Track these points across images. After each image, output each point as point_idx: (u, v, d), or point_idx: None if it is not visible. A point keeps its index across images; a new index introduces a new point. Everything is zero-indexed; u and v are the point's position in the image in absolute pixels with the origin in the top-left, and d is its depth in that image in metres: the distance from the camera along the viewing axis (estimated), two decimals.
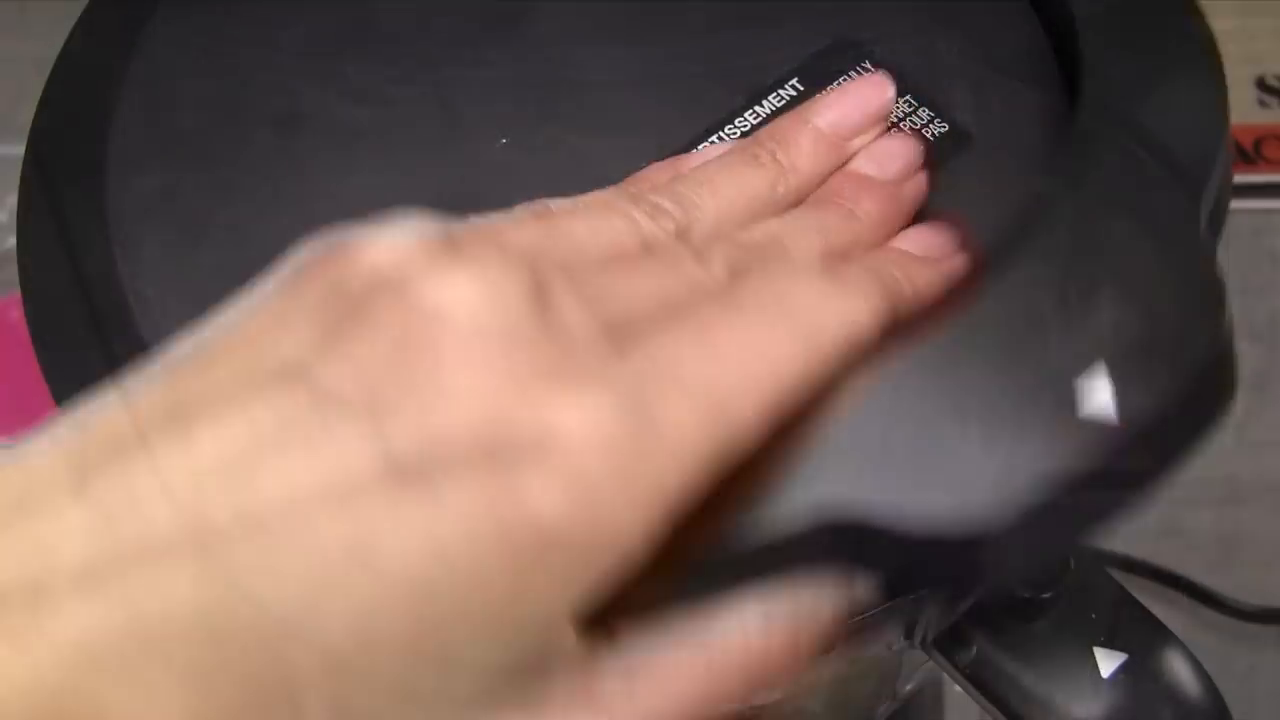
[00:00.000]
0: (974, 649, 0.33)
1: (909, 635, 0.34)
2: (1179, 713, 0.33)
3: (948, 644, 0.34)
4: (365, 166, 0.33)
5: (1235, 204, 0.75)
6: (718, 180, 0.28)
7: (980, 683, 0.34)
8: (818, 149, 0.30)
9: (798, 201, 0.30)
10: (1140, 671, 0.33)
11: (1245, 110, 0.76)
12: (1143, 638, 0.34)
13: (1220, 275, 0.27)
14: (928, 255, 0.29)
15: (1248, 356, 0.73)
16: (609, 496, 0.20)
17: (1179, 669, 0.34)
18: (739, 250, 0.26)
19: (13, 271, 0.77)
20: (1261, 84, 0.77)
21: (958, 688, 0.35)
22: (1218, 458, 0.67)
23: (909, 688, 0.43)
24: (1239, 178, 0.73)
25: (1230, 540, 0.66)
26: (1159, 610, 0.34)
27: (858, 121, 0.31)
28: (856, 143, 0.31)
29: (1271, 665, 0.63)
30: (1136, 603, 0.34)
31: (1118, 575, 0.35)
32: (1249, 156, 0.75)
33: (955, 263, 0.29)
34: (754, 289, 0.24)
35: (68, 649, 0.19)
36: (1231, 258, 0.73)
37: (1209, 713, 0.33)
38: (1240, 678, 0.63)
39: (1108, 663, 0.33)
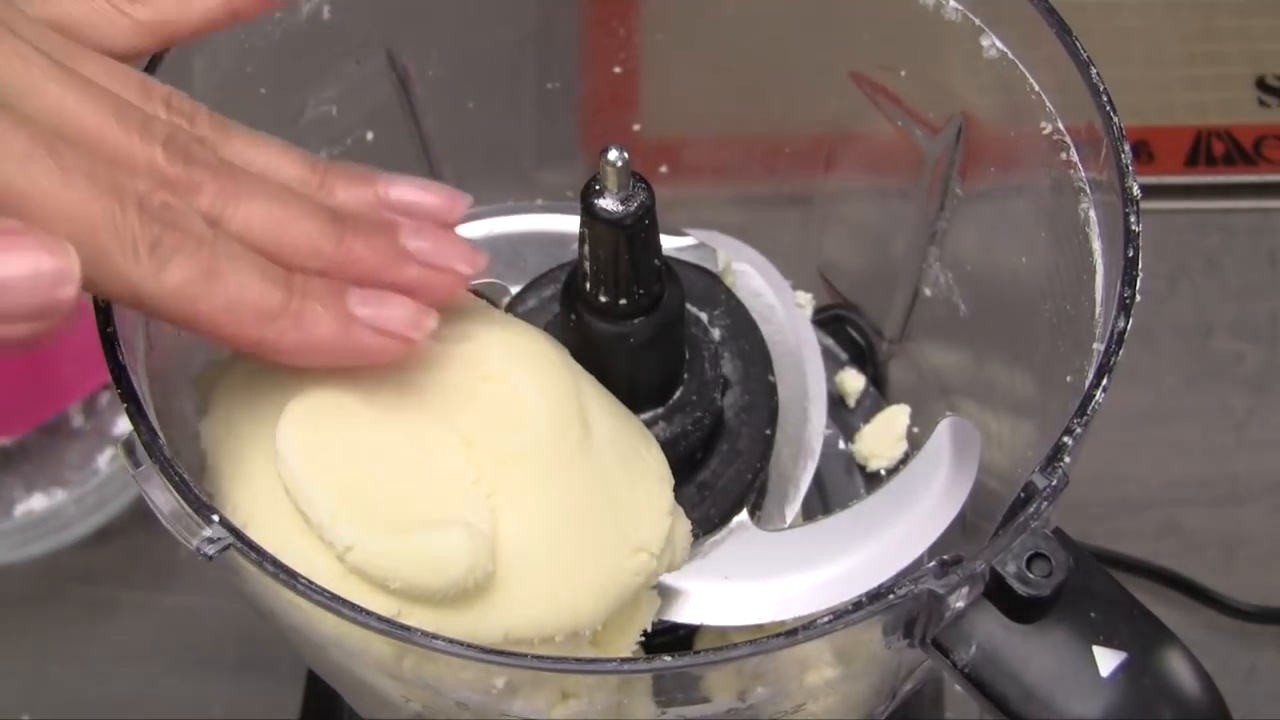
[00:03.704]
0: (973, 648, 0.33)
1: (908, 634, 0.34)
2: (1178, 712, 0.33)
3: (947, 643, 0.34)
4: None
5: (1235, 204, 0.76)
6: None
7: (980, 682, 0.34)
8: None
9: None
10: (1140, 671, 0.33)
11: (1245, 110, 0.76)
12: (1142, 637, 0.34)
13: None
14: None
15: (1249, 356, 0.74)
16: None
17: (1178, 668, 0.33)
18: None
19: None
20: (1261, 84, 0.77)
21: (958, 687, 0.35)
22: (1218, 457, 0.68)
23: (908, 687, 0.43)
24: (1239, 178, 0.73)
25: (1230, 540, 0.66)
26: (1159, 610, 0.34)
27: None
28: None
29: (1271, 665, 0.63)
30: (1136, 602, 0.34)
31: (1118, 575, 0.35)
32: (1249, 156, 0.75)
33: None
34: None
35: None
36: (1231, 258, 0.74)
37: (1208, 712, 0.33)
38: (1240, 677, 0.63)
39: (1107, 662, 0.33)
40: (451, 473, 0.36)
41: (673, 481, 0.40)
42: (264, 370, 0.37)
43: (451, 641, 0.32)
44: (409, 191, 0.37)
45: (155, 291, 0.32)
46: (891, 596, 0.32)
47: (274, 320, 0.33)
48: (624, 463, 0.38)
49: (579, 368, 0.40)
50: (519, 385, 0.37)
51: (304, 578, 0.33)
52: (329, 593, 0.32)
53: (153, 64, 0.39)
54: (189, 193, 0.33)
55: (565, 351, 0.41)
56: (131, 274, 0.31)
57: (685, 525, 0.41)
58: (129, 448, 0.35)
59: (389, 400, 0.36)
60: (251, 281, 0.33)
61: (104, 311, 0.36)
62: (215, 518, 0.33)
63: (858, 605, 0.32)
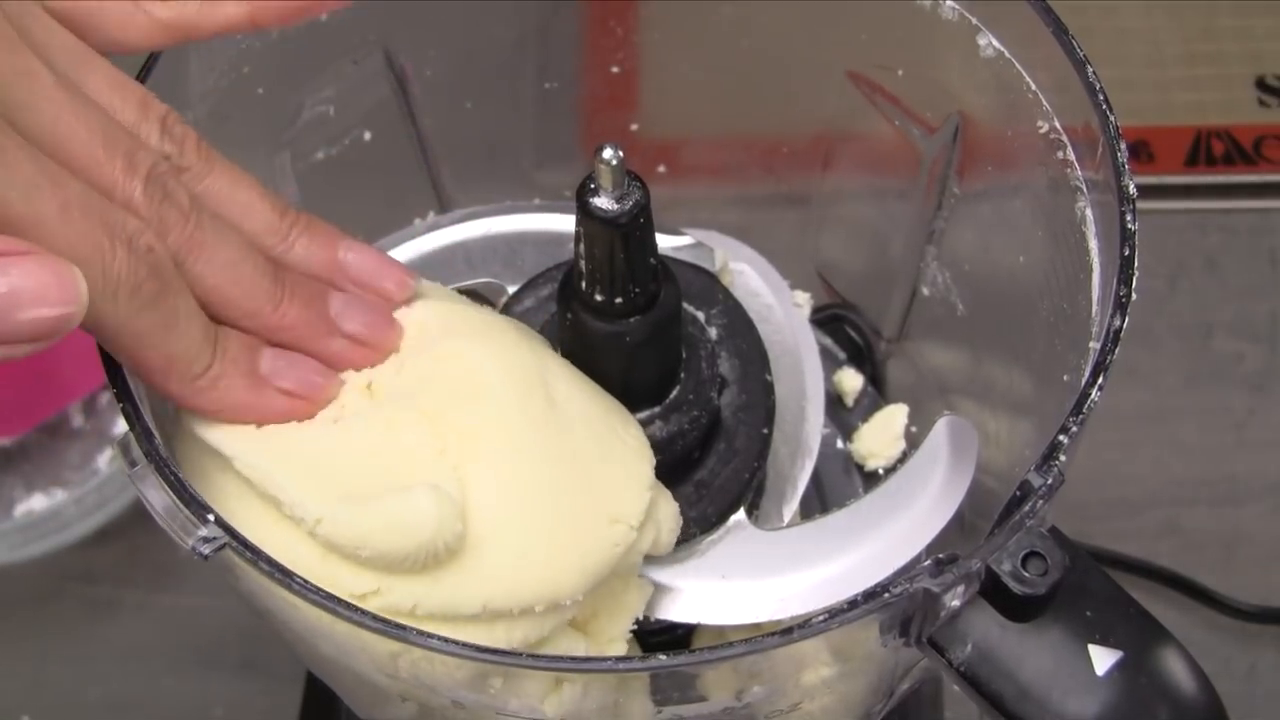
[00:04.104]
0: (969, 646, 0.33)
1: (904, 633, 0.34)
2: (1174, 710, 0.33)
3: (943, 642, 0.34)
4: None
5: (1235, 204, 0.76)
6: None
7: (975, 681, 0.34)
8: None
9: None
10: (1135, 669, 0.33)
11: (1245, 110, 0.76)
12: (1138, 635, 0.34)
13: None
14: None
15: (1249, 356, 0.73)
16: None
17: (1174, 667, 0.33)
18: None
19: None
20: (1261, 84, 0.77)
21: (956, 686, 0.35)
22: (1218, 457, 0.68)
23: (905, 686, 0.43)
24: (1239, 178, 0.73)
25: (1230, 540, 0.66)
26: (1158, 610, 0.34)
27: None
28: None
29: (1271, 665, 0.63)
30: (1132, 600, 0.34)
31: (1117, 575, 0.35)
32: (1249, 156, 0.75)
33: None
34: None
35: None
36: (1231, 258, 0.74)
37: (1204, 710, 0.33)
38: (1240, 677, 0.63)
39: (1103, 660, 0.33)
40: (415, 446, 0.37)
41: (654, 460, 0.40)
42: None
43: (448, 641, 0.32)
44: (365, 262, 0.38)
45: (117, 330, 0.33)
46: (887, 595, 0.32)
47: (195, 379, 0.34)
48: (597, 437, 0.39)
49: (545, 348, 0.41)
50: (474, 360, 0.38)
51: (299, 577, 0.33)
52: (324, 592, 0.32)
53: (149, 62, 0.39)
54: (160, 233, 0.33)
55: (528, 331, 0.41)
56: (104, 310, 0.32)
57: (672, 506, 0.41)
58: (125, 447, 0.35)
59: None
60: (194, 338, 0.34)
61: None
62: (210, 517, 0.33)
63: (853, 604, 0.32)
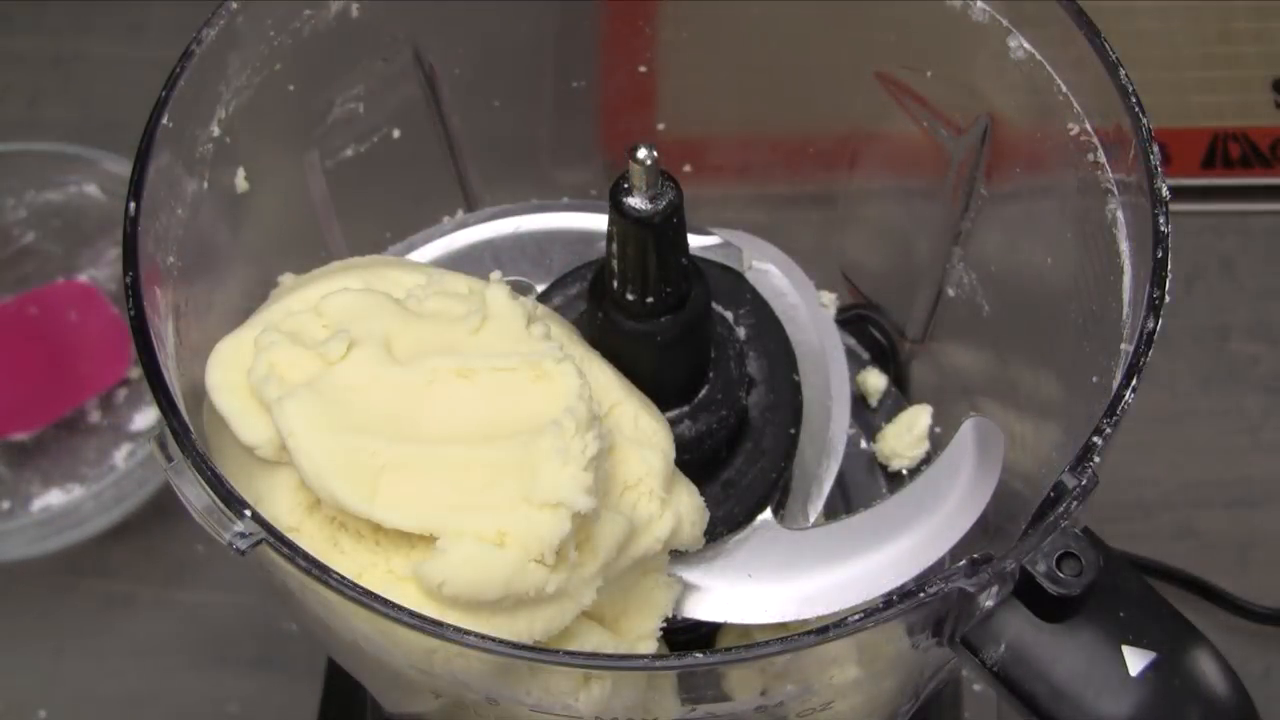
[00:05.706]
0: (1002, 647, 0.34)
1: (937, 633, 0.34)
2: (1207, 711, 0.33)
3: (976, 642, 0.34)
4: None
5: (1251, 206, 0.76)
6: None
7: (1008, 681, 0.34)
8: None
9: None
10: (1169, 670, 0.33)
11: (1263, 113, 0.76)
12: (1171, 636, 0.34)
13: None
14: None
15: (1265, 359, 0.73)
16: None
17: (1207, 668, 0.34)
18: None
19: (30, 268, 0.76)
20: (1278, 87, 0.77)
21: (976, 687, 0.35)
22: (1233, 460, 0.68)
23: (930, 687, 0.43)
24: (1255, 180, 0.73)
25: (1245, 542, 0.66)
26: None
27: None
28: None
29: None
30: (1165, 602, 0.34)
31: None
32: (1266, 159, 0.75)
33: None
34: None
35: None
36: (1249, 260, 0.73)
37: (1237, 713, 0.34)
38: (1256, 680, 0.63)
39: (1137, 661, 0.33)
40: None
41: (668, 447, 0.40)
42: None
43: (484, 638, 0.32)
44: None
45: None
46: (922, 595, 0.32)
47: None
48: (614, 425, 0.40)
49: (576, 335, 0.42)
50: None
51: (336, 573, 0.33)
52: (361, 588, 0.32)
53: (184, 61, 0.39)
54: None
55: (559, 318, 0.42)
56: None
57: (695, 499, 0.41)
58: (161, 442, 0.35)
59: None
60: None
61: (135, 300, 0.36)
62: (248, 512, 0.33)
63: (888, 603, 0.32)
